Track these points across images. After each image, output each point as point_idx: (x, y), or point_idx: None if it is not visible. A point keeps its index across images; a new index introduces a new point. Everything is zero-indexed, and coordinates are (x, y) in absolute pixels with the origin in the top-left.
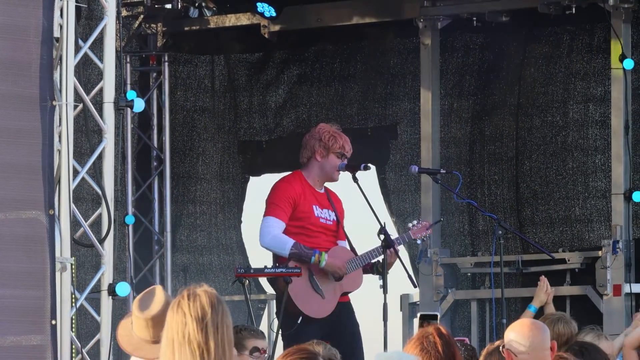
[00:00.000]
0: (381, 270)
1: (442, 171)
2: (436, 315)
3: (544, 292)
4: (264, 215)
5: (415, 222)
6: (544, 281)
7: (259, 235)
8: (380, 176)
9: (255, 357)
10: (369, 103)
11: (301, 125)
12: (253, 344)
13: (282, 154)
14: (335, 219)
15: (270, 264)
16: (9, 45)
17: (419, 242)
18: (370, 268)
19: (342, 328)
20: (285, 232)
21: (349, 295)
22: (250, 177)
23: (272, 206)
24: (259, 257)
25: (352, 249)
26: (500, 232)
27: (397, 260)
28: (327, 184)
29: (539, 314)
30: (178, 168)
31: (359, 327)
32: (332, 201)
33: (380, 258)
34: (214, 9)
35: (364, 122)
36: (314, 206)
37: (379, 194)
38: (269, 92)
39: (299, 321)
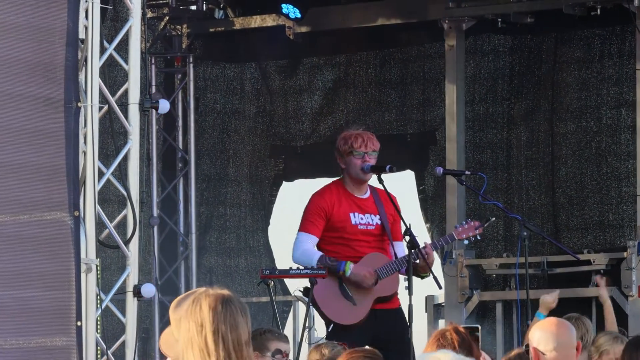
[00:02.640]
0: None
1: (467, 172)
2: (478, 328)
3: (552, 298)
4: (297, 231)
5: (463, 222)
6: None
7: (292, 250)
8: (418, 181)
9: (277, 359)
10: (407, 109)
11: (338, 131)
12: (275, 346)
13: (317, 159)
14: (379, 222)
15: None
16: (35, 47)
17: (465, 242)
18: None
19: (388, 336)
20: (326, 243)
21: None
22: (284, 181)
23: (304, 222)
24: (286, 260)
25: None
26: (525, 233)
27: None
28: (377, 185)
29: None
30: (209, 170)
31: (407, 333)
32: (380, 203)
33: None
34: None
35: (402, 128)
36: (351, 213)
37: (416, 200)
38: (303, 97)
39: (329, 329)
